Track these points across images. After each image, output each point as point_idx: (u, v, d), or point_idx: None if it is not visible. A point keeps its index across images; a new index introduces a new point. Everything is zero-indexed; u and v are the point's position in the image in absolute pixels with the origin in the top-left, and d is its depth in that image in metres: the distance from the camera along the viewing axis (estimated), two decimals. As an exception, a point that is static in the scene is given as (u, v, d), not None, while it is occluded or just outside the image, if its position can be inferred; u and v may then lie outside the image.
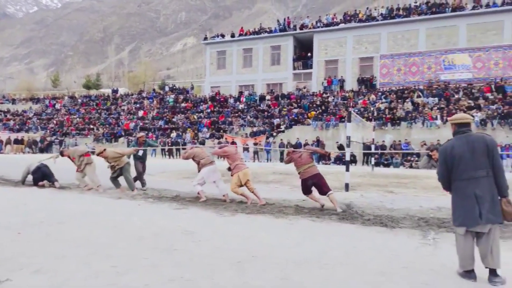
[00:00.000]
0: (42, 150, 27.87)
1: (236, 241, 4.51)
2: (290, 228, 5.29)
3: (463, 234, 3.37)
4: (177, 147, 22.84)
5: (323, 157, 19.75)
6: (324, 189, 6.64)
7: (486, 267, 3.28)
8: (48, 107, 38.96)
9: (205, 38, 36.44)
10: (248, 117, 27.61)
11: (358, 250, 4.23)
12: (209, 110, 30.42)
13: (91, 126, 32.15)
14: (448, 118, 3.96)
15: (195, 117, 29.67)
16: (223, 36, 35.45)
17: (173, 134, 27.55)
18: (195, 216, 6.03)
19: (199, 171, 7.78)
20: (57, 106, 38.56)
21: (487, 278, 3.25)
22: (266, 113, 27.81)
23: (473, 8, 26.25)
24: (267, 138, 24.11)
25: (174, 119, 30.02)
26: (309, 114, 25.59)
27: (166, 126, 29.36)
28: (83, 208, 6.49)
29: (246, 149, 23.23)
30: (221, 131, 26.69)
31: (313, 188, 6.85)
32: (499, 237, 3.40)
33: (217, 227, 5.26)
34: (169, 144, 25.51)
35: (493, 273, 3.24)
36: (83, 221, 5.47)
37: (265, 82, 32.15)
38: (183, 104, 32.45)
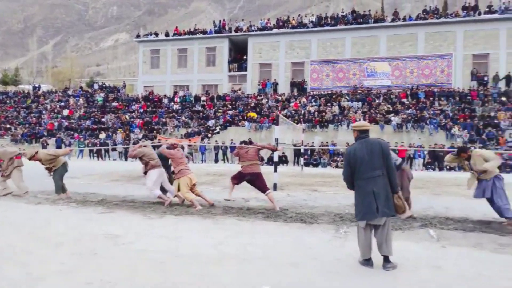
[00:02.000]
0: None
1: (161, 243, 4.60)
2: (216, 227, 5.49)
3: (364, 227, 3.83)
4: (106, 147, 21.88)
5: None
6: (263, 189, 7.03)
7: (382, 255, 3.77)
8: (-45, 104, 34.81)
9: (138, 36, 35.27)
10: (183, 118, 27.32)
11: (277, 245, 4.56)
12: (141, 110, 29.51)
13: (8, 126, 29.41)
14: (352, 125, 4.46)
15: (127, 117, 28.60)
16: (156, 34, 34.58)
17: (102, 135, 26.28)
18: (121, 220, 5.96)
19: (145, 172, 7.40)
20: (-33, 103, 34.62)
21: (381, 265, 3.73)
22: (201, 114, 27.74)
23: (392, 20, 28.73)
24: (202, 139, 24.09)
25: (103, 119, 28.63)
26: (249, 113, 26.02)
27: (95, 126, 27.90)
28: (-4, 215, 6.06)
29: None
30: (155, 131, 26.07)
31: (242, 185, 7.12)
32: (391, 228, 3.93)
33: (143, 230, 5.28)
34: (98, 146, 24.31)
35: (386, 260, 3.74)
36: (-5, 229, 5.14)
37: (201, 83, 32.03)
38: (113, 104, 31.07)
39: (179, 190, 7.07)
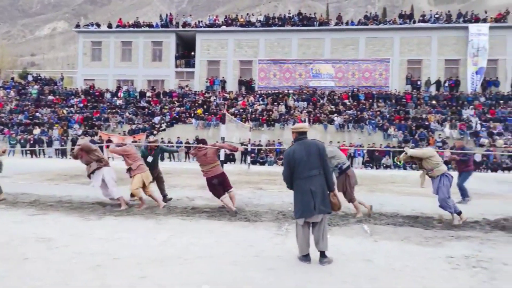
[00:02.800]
0: None
1: (98, 245, 4.43)
2: (159, 228, 5.40)
3: (302, 225, 3.99)
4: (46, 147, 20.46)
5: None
6: (226, 187, 6.69)
7: (318, 250, 3.96)
8: None
9: (78, 26, 33.32)
10: (127, 114, 26.30)
11: (220, 244, 4.60)
12: (81, 105, 27.94)
13: None
14: (291, 127, 4.63)
15: (65, 111, 26.92)
16: (98, 25, 32.89)
17: (37, 131, 24.47)
18: (55, 222, 5.64)
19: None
20: None
21: (318, 260, 3.93)
22: (146, 110, 26.90)
23: (336, 24, 29.93)
24: (147, 136, 23.37)
25: (37, 114, 26.68)
26: (197, 110, 25.67)
27: (28, 121, 25.92)
28: None
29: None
30: (95, 128, 24.83)
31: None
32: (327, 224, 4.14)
33: (79, 232, 5.05)
34: (31, 142, 22.65)
35: (322, 255, 3.93)
36: None
37: (146, 78, 31.03)
38: (50, 97, 29.06)
39: (144, 187, 6.80)
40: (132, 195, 6.92)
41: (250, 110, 25.39)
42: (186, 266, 3.76)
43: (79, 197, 7.78)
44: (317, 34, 29.14)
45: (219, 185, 6.65)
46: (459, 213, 5.94)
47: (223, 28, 30.46)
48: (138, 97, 28.66)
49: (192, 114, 25.67)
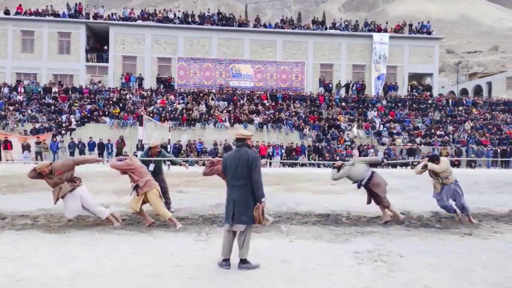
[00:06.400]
0: None
1: (-4, 266, 3.97)
2: (67, 241, 5.01)
3: (227, 230, 4.08)
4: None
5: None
6: None
7: (238, 257, 4.06)
8: None
9: (-34, 9, 29.02)
10: (29, 111, 23.72)
11: (137, 255, 4.43)
12: (-29, 100, 24.47)
13: None
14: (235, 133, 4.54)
15: (-50, 108, 23.32)
16: (-7, 11, 29.09)
17: None
18: None
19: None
20: None
21: (237, 265, 4.03)
22: (52, 107, 24.55)
23: (254, 26, 30.63)
24: (54, 136, 21.37)
25: None
26: (115, 110, 24.11)
27: None
28: None
29: (27, 149, 20.03)
30: (-10, 126, 21.95)
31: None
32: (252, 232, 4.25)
33: (-29, 252, 4.46)
34: None
35: (242, 261, 4.04)
36: None
37: (52, 72, 28.31)
38: None
39: (143, 203, 5.84)
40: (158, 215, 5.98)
41: (170, 109, 24.75)
42: (100, 283, 3.57)
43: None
44: (236, 35, 29.51)
45: None
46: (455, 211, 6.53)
47: (140, 22, 29.16)
48: (42, 93, 26.03)
49: (106, 112, 24.16)
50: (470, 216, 6.48)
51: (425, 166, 6.47)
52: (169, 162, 11.21)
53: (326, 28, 31.44)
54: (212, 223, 6.18)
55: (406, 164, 20.71)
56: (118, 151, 20.87)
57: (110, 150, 21.27)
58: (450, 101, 29.88)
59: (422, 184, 10.40)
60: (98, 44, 29.67)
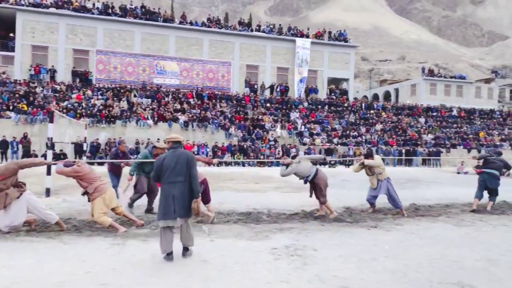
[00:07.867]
0: None
1: None
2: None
3: (164, 227, 4.28)
4: None
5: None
6: (207, 198, 6.62)
7: (183, 246, 4.40)
8: None
9: None
10: None
11: (43, 263, 4.09)
12: None
13: None
14: (166, 137, 4.93)
15: None
16: None
17: None
18: None
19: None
20: None
21: (181, 254, 4.33)
22: None
23: (180, 23, 30.02)
24: None
25: None
26: (21, 105, 21.65)
27: None
28: None
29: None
30: None
31: None
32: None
33: None
34: None
35: (185, 249, 4.44)
36: None
37: None
38: None
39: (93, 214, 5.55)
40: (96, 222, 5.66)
41: (87, 105, 23.11)
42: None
43: None
44: (161, 30, 28.67)
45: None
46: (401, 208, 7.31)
47: (53, 10, 26.78)
48: None
49: (11, 107, 21.73)
50: (403, 209, 7.39)
51: (362, 164, 7.30)
52: None
53: (252, 30, 32.04)
54: (130, 225, 5.94)
55: (324, 163, 21.97)
56: (24, 149, 18.96)
57: (15, 149, 19.20)
58: (363, 105, 32.46)
59: (336, 182, 11.14)
60: (3, 31, 26.61)
